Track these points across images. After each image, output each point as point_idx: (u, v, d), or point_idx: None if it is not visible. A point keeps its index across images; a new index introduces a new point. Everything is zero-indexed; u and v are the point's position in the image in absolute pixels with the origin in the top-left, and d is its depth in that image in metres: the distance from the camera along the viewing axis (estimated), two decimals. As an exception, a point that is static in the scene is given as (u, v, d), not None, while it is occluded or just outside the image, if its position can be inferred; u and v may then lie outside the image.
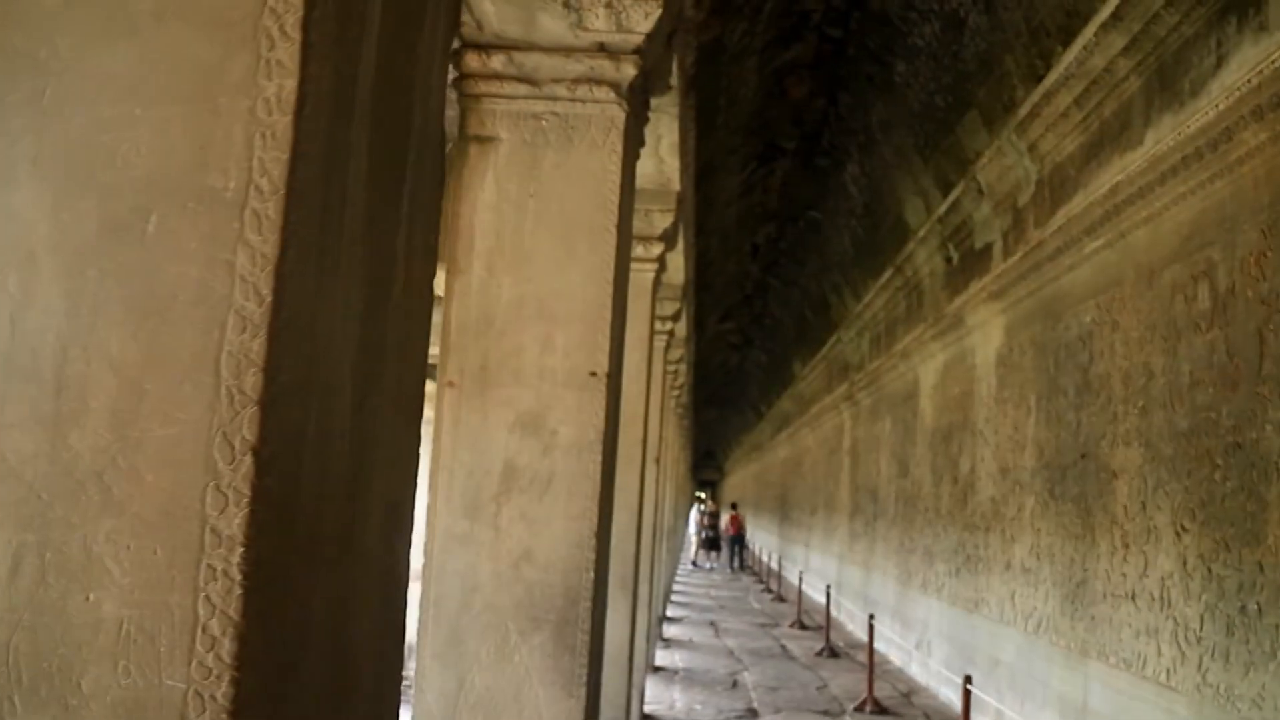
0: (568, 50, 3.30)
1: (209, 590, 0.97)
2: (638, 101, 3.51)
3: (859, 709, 9.47)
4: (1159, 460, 5.95)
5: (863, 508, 15.26)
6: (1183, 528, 5.62)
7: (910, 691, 10.64)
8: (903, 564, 12.31)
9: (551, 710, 3.10)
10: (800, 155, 13.49)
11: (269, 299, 1.00)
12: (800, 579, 17.47)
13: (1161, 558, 5.83)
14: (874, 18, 9.91)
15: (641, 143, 3.85)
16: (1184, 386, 5.73)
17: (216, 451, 0.98)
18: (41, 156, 1.04)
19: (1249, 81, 5.10)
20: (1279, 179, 4.98)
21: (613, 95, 3.32)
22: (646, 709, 8.72)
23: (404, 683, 1.94)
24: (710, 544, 30.08)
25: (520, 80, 3.32)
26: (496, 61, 3.29)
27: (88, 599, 0.98)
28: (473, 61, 3.30)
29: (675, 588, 21.31)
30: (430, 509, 3.21)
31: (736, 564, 29.01)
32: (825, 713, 9.42)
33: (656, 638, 12.33)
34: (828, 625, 13.45)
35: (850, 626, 15.17)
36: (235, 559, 0.98)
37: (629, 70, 3.32)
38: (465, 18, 3.26)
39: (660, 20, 3.30)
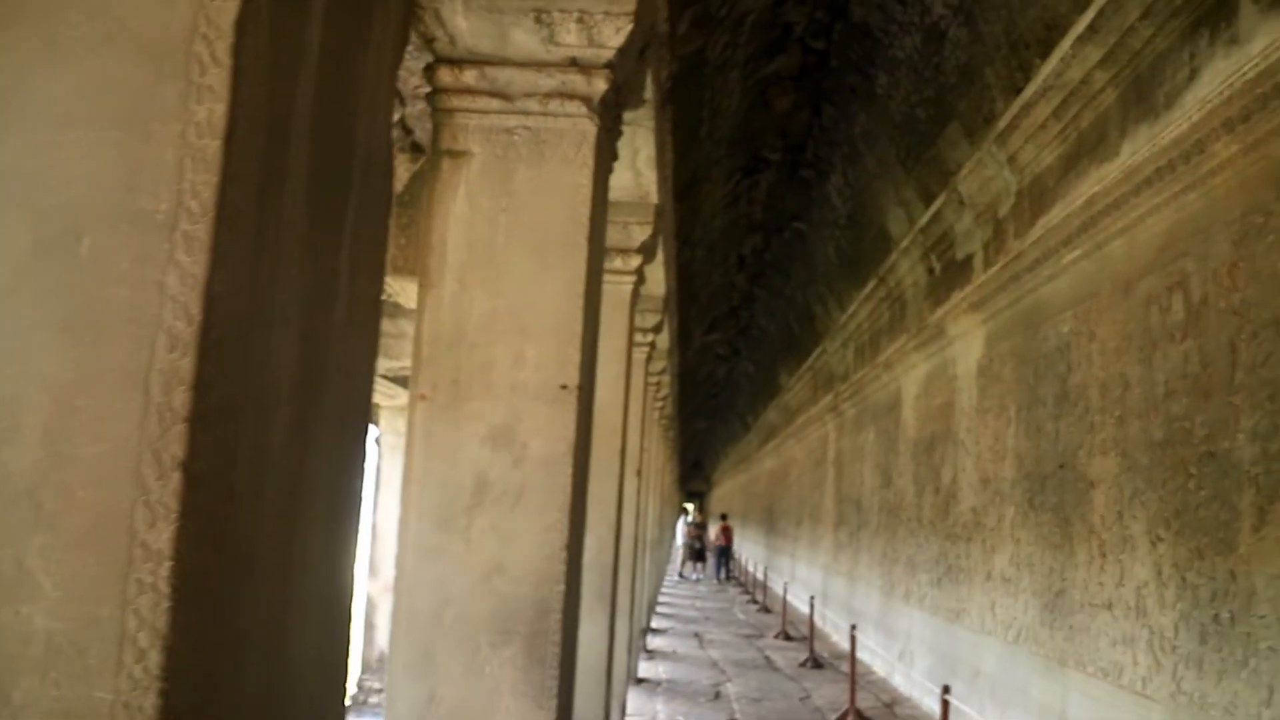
0: (540, 65, 3.32)
1: (138, 603, 0.99)
2: (610, 116, 3.54)
3: (841, 720, 9.48)
4: (1135, 470, 5.99)
5: (847, 518, 15.28)
6: (1158, 537, 5.65)
7: (893, 702, 10.66)
8: (886, 574, 12.34)
9: (522, 722, 3.11)
10: (785, 167, 13.54)
11: (198, 318, 1.01)
12: (785, 590, 17.48)
13: (1137, 567, 5.87)
14: (856, 30, 9.98)
15: (614, 156, 3.88)
16: (1159, 396, 5.77)
17: (146, 468, 1.00)
18: (-25, 180, 1.05)
19: (1221, 94, 5.15)
20: (1250, 191, 5.03)
21: (584, 109, 3.34)
22: (629, 721, 8.72)
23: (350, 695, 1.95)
24: (697, 555, 30.06)
25: (493, 95, 3.34)
26: (469, 76, 3.32)
27: (18, 613, 0.99)
28: (445, 76, 3.33)
29: (661, 599, 21.28)
30: (402, 521, 3.22)
31: (723, 575, 28.94)
32: (808, 723, 9.43)
33: (640, 649, 12.32)
34: (811, 636, 13.44)
35: (835, 637, 15.18)
36: (163, 573, 0.99)
37: (600, 84, 3.34)
38: (438, 32, 3.29)
39: (632, 35, 3.33)
